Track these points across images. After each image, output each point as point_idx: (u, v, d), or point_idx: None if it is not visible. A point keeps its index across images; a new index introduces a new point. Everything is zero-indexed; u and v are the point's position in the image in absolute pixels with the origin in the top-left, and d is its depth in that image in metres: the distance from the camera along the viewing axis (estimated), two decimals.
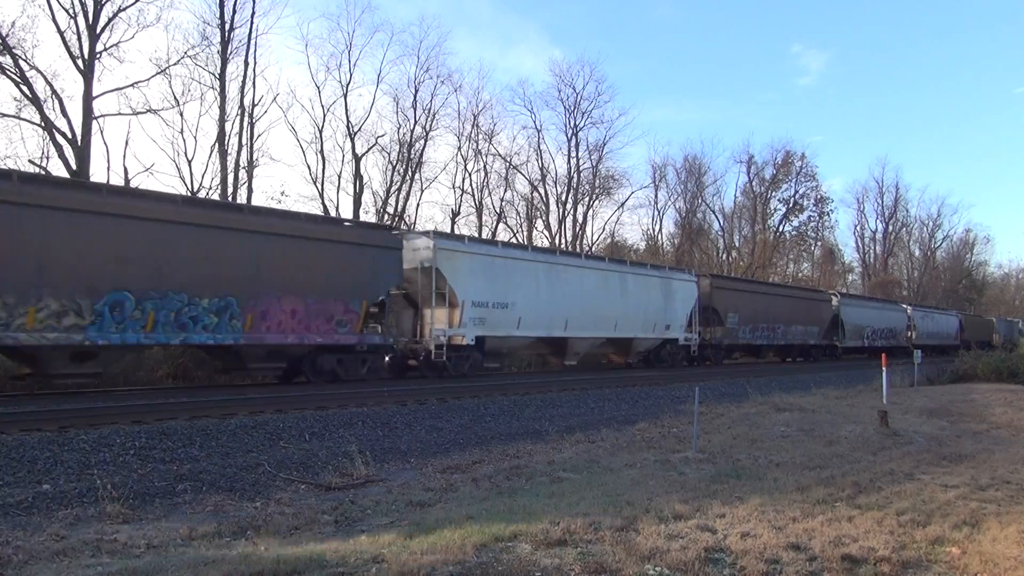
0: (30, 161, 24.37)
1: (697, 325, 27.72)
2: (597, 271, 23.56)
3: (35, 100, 22.83)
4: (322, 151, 33.38)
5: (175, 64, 26.73)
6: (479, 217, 39.97)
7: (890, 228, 73.77)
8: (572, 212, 43.96)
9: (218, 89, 27.28)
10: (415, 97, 35.78)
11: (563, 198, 43.46)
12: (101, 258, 12.75)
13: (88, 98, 23.39)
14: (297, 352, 15.91)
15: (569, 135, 43.97)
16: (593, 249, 43.82)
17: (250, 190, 28.59)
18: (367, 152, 34.09)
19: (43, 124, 23.31)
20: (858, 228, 73.56)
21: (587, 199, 44.86)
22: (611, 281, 23.86)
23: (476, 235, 34.40)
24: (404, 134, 35.48)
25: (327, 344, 16.16)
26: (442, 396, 14.68)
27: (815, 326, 36.30)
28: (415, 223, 35.12)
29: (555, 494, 7.07)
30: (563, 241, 42.00)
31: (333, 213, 31.60)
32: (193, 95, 30.23)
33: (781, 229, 59.51)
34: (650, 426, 12.78)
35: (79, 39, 23.46)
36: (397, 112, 35.68)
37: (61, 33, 23.16)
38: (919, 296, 68.33)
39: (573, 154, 43.90)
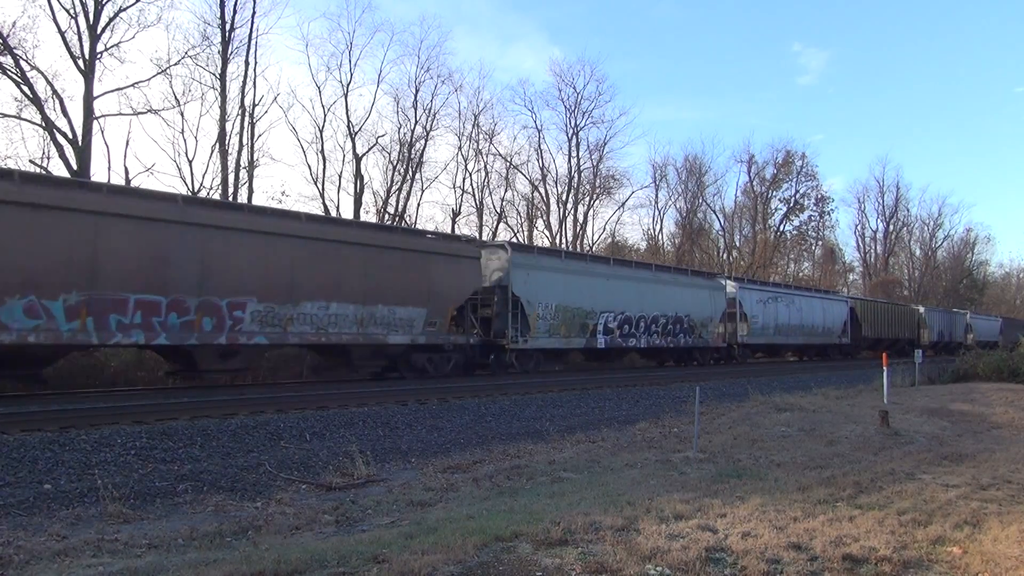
0: (31, 161, 24.42)
1: None
2: None
3: (36, 100, 22.86)
4: (323, 151, 33.43)
5: (176, 64, 26.78)
6: (479, 217, 40.00)
7: (891, 228, 73.85)
8: (573, 212, 44.00)
9: (219, 89, 27.32)
10: (415, 97, 35.83)
11: (564, 198, 43.48)
12: None
13: (89, 98, 23.41)
14: None
15: (570, 135, 44.02)
16: (594, 250, 43.81)
17: (251, 190, 28.64)
18: (368, 152, 34.13)
19: (44, 124, 23.33)
20: (859, 228, 73.72)
21: (588, 199, 44.91)
22: None
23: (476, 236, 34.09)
24: (404, 134, 35.51)
25: None
26: (443, 396, 14.70)
27: (418, 308, 17.86)
28: (416, 223, 35.12)
29: (556, 494, 7.07)
30: (563, 241, 42.02)
31: (334, 213, 31.55)
32: (194, 95, 30.23)
33: (782, 229, 59.63)
34: (651, 426, 12.78)
35: (80, 39, 23.53)
36: (397, 112, 35.71)
37: (62, 33, 23.21)
38: (919, 296, 68.00)
39: (574, 154, 43.95)
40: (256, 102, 29.35)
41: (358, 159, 33.41)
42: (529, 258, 21.87)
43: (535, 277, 21.25)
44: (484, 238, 33.20)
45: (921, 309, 49.37)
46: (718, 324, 29.38)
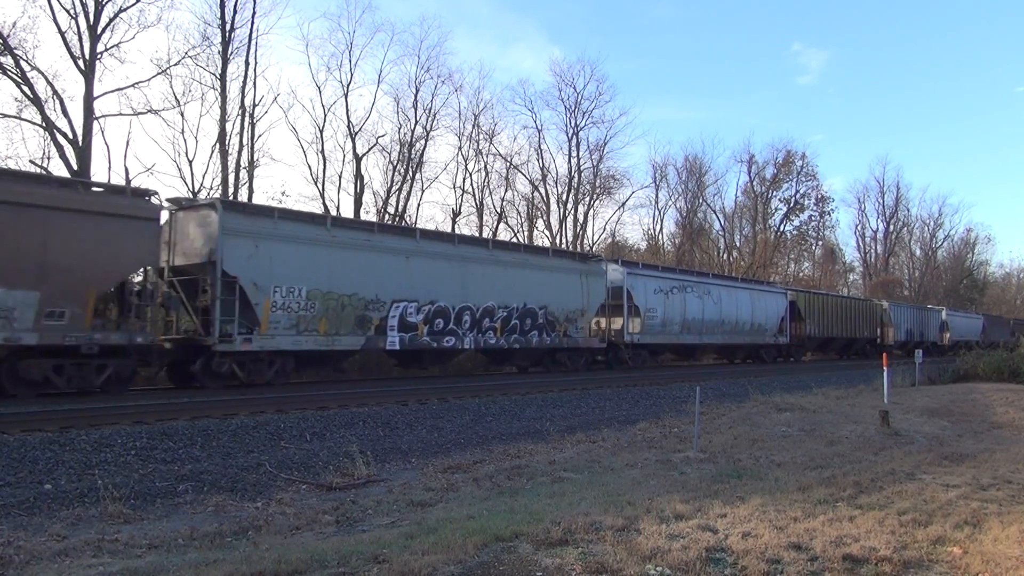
0: (31, 161, 24.42)
1: None
2: None
3: (36, 100, 22.86)
4: (323, 151, 33.37)
5: (176, 64, 26.73)
6: (480, 217, 39.98)
7: (891, 228, 73.94)
8: (573, 212, 43.98)
9: (219, 89, 27.30)
10: (416, 97, 35.77)
11: (564, 198, 43.47)
12: None
13: (89, 98, 23.41)
14: None
15: (570, 135, 43.99)
16: (594, 249, 43.81)
17: (251, 190, 28.64)
18: (368, 152, 34.09)
19: (44, 124, 23.33)
20: (859, 228, 73.81)
21: (588, 199, 44.88)
22: None
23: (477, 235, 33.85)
24: (405, 134, 35.46)
25: None
26: (443, 396, 14.71)
27: (20, 291, 11.90)
28: (416, 223, 35.07)
29: (556, 494, 7.07)
30: (564, 241, 42.02)
31: (334, 213, 31.46)
32: (194, 95, 30.15)
33: (782, 229, 59.63)
34: (651, 426, 12.79)
35: (80, 39, 23.51)
36: (398, 112, 35.65)
37: (62, 34, 23.20)
38: (919, 296, 67.90)
39: (574, 154, 43.92)
40: (256, 102, 29.35)
41: (358, 159, 33.40)
42: (258, 223, 15.26)
43: (270, 250, 15.09)
44: (485, 237, 32.32)
45: (885, 304, 43.14)
46: (593, 318, 23.23)
